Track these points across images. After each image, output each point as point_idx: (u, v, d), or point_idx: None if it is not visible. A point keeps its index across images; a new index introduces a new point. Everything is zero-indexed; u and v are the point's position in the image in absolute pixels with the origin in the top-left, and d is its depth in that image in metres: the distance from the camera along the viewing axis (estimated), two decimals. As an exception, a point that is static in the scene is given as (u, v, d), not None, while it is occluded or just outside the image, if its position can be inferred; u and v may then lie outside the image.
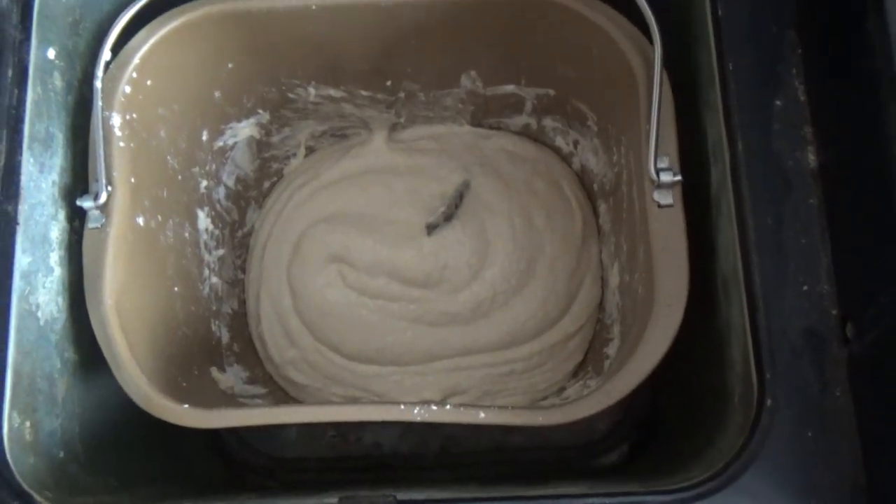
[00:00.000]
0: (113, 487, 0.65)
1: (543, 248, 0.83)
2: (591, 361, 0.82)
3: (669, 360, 0.59)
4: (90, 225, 0.64)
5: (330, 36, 0.73)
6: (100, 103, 0.65)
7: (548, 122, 0.86)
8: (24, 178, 0.62)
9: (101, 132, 0.64)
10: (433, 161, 0.87)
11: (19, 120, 0.62)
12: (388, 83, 0.80)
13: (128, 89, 0.67)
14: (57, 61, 0.66)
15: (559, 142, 0.87)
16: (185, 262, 0.76)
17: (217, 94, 0.77)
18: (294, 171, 0.90)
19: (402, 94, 0.82)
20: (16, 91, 0.63)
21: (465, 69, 0.79)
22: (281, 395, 0.83)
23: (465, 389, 0.81)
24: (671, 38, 0.62)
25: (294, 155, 0.89)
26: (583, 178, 0.87)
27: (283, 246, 0.86)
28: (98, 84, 0.65)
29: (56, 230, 0.65)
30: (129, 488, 0.67)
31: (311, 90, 0.81)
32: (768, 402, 0.54)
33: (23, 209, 0.61)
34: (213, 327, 0.80)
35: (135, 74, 0.68)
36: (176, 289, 0.74)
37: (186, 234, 0.77)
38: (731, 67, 0.60)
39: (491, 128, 0.88)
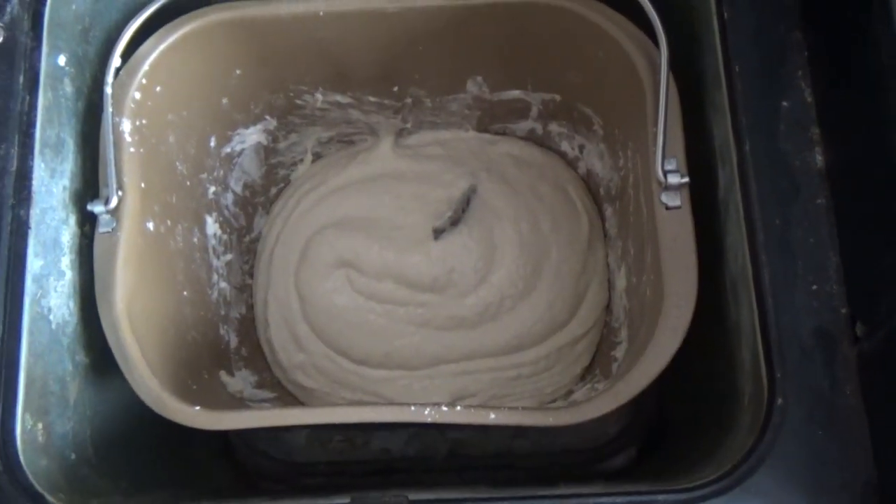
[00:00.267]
0: (125, 490, 0.65)
1: (550, 252, 0.83)
2: (598, 365, 0.82)
3: (678, 361, 0.59)
4: (101, 229, 0.65)
5: (337, 42, 0.73)
6: (110, 109, 0.65)
7: (553, 127, 0.86)
8: (35, 183, 0.62)
9: (111, 138, 0.65)
10: (440, 166, 0.87)
11: (31, 125, 0.63)
12: (395, 89, 0.81)
13: (137, 95, 0.68)
14: (67, 68, 0.67)
15: (565, 146, 0.87)
16: (194, 267, 0.76)
17: (225, 100, 0.78)
18: (301, 177, 0.90)
19: (408, 100, 0.82)
20: (27, 97, 0.63)
21: (471, 74, 0.79)
22: (289, 399, 0.83)
23: (472, 393, 0.81)
24: (677, 41, 0.62)
25: (301, 161, 0.90)
26: (588, 183, 0.87)
27: (290, 251, 0.86)
28: (108, 90, 0.65)
29: (67, 234, 0.65)
30: (140, 492, 0.67)
31: (319, 96, 0.81)
32: (778, 401, 0.54)
33: (34, 213, 0.61)
34: (222, 332, 0.80)
35: (144, 81, 0.68)
36: (185, 293, 0.74)
37: (195, 240, 0.77)
38: (737, 69, 0.60)
39: (497, 133, 0.89)
